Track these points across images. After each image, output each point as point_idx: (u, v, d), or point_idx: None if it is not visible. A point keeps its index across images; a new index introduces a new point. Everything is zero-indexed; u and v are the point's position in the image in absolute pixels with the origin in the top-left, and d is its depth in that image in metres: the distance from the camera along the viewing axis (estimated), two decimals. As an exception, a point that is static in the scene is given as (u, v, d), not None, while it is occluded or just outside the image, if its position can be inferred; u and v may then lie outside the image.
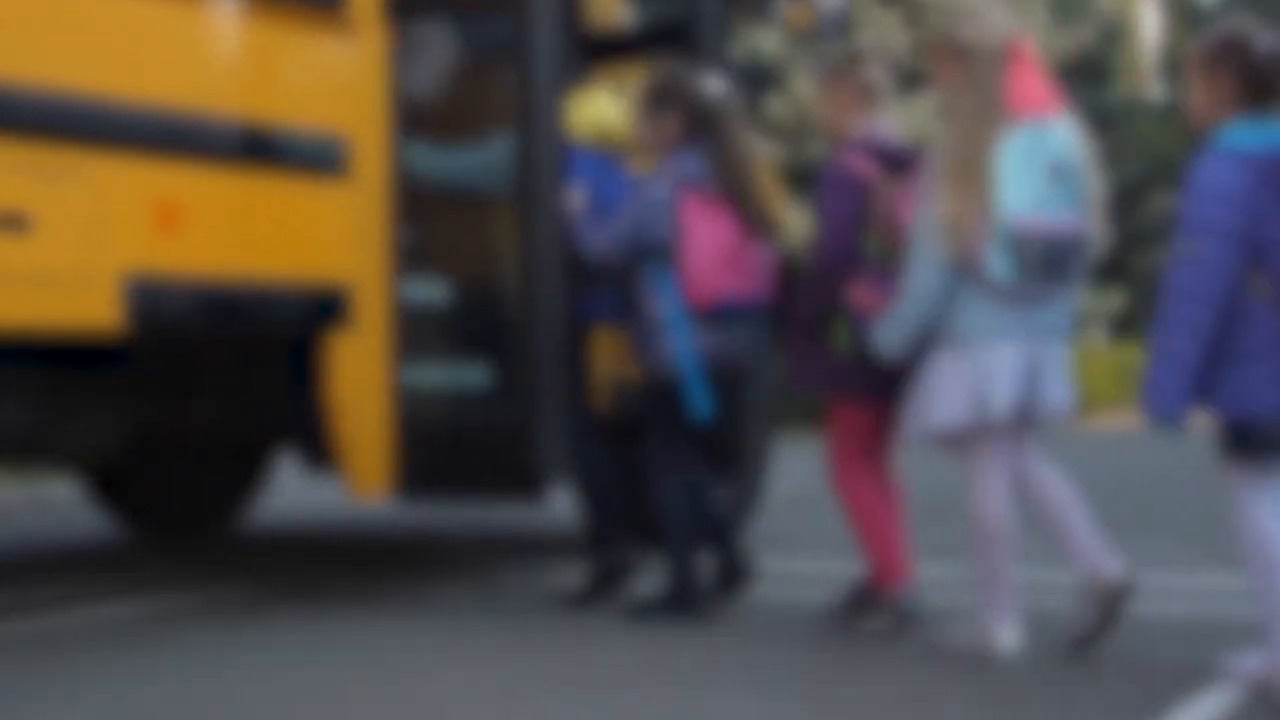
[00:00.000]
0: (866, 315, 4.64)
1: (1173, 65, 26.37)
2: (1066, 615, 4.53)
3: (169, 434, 6.63)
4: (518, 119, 5.39)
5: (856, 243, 4.70)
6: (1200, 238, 3.92)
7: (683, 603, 5.01)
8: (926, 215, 4.38)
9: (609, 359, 5.68)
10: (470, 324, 5.69)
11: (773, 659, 4.47)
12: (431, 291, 5.63)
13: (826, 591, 5.11)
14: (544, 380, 5.29)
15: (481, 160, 5.64)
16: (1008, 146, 4.30)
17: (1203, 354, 3.91)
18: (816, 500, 4.94)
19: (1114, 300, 22.57)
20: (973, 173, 4.29)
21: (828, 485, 4.87)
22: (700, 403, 4.96)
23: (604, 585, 5.38)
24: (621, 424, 5.48)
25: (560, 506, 6.39)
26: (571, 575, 5.88)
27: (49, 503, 9.68)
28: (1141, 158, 23.73)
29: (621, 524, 5.43)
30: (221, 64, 4.99)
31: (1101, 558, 4.41)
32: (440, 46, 5.81)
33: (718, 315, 4.96)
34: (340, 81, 5.35)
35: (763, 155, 6.83)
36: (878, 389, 4.75)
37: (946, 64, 4.49)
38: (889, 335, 4.51)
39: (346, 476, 5.48)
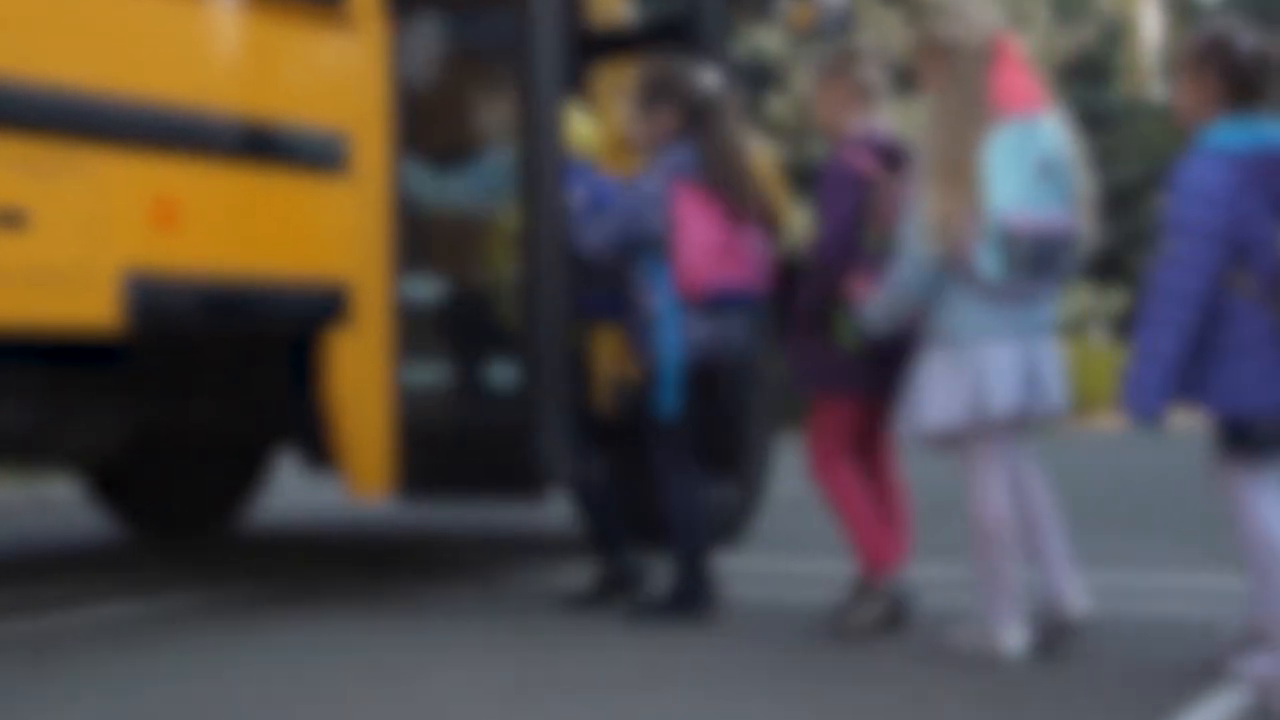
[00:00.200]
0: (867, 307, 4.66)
1: (1173, 65, 26.35)
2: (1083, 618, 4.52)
3: (169, 433, 6.62)
4: (519, 117, 5.38)
5: (857, 237, 4.71)
6: (1185, 238, 3.94)
7: (691, 603, 5.00)
8: (915, 214, 4.39)
9: (609, 359, 5.68)
10: (471, 322, 5.68)
11: (775, 660, 4.45)
12: (432, 290, 5.61)
13: (829, 592, 5.09)
14: (545, 380, 5.28)
15: (480, 182, 5.61)
16: (995, 144, 4.29)
17: (1185, 353, 3.93)
18: (819, 501, 4.93)
19: (1114, 300, 22.56)
20: (960, 171, 4.29)
21: (809, 478, 4.87)
22: (668, 401, 4.96)
23: (610, 589, 5.36)
24: (622, 424, 5.47)
25: (561, 506, 6.37)
26: (573, 575, 5.88)
27: (49, 503, 9.67)
28: (1142, 158, 23.70)
29: (623, 527, 5.41)
30: (221, 60, 4.97)
31: (1064, 587, 4.42)
32: (441, 43, 5.80)
33: (712, 305, 4.96)
34: (341, 78, 5.33)
35: (766, 154, 6.85)
36: (872, 386, 4.76)
37: (931, 63, 4.49)
38: (873, 317, 4.55)
39: (346, 476, 5.47)
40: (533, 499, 5.44)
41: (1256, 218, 3.95)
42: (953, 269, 4.35)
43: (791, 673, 4.26)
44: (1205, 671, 4.12)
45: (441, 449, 5.44)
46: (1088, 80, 24.64)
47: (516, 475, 5.33)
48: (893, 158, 4.76)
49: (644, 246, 5.00)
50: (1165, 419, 3.99)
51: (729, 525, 6.59)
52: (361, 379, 5.38)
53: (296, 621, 5.15)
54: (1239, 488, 4.02)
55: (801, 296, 4.85)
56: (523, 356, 5.35)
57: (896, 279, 4.46)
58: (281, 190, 5.12)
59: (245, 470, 7.65)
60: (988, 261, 4.27)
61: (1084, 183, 4.42)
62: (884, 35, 17.27)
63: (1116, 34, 25.86)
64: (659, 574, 5.27)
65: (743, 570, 5.85)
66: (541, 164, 5.28)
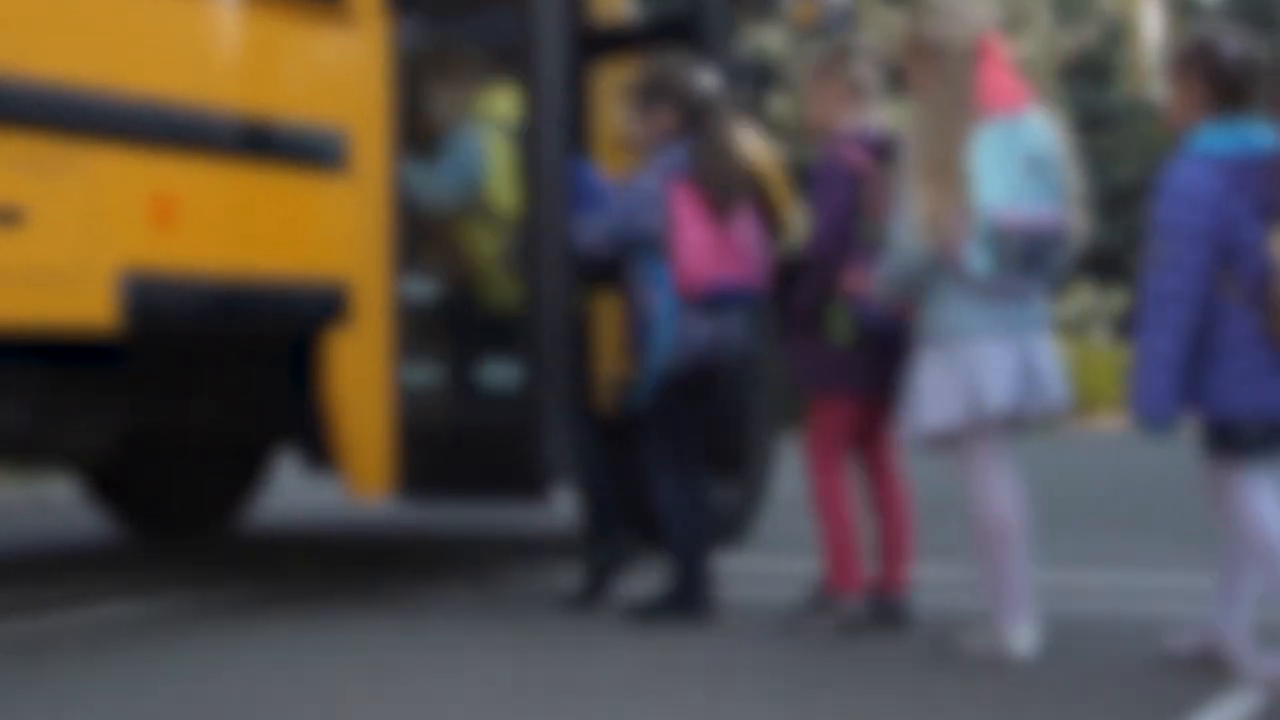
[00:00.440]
0: (863, 300, 4.69)
1: (1162, 69, 26.35)
2: (1082, 617, 4.52)
3: (168, 433, 6.60)
4: (522, 115, 5.36)
5: (851, 232, 4.72)
6: (1174, 240, 3.97)
7: (685, 604, 4.99)
8: (904, 214, 4.40)
9: (610, 358, 5.67)
10: (471, 322, 5.66)
11: (776, 661, 4.44)
12: (433, 289, 5.60)
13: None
14: (545, 380, 5.26)
15: (455, 170, 5.59)
16: (982, 142, 4.31)
17: (1187, 353, 3.96)
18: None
19: (1115, 300, 22.55)
20: (948, 170, 4.31)
21: (805, 479, 4.86)
22: (642, 396, 4.98)
23: (600, 581, 5.35)
24: (623, 423, 5.46)
25: (561, 507, 6.36)
26: (573, 576, 5.87)
27: (49, 503, 9.66)
28: (1142, 158, 23.68)
29: (620, 521, 5.40)
30: (220, 56, 4.95)
31: (1012, 610, 4.39)
32: (443, 40, 5.79)
33: (712, 303, 4.96)
34: (341, 74, 5.31)
35: (771, 154, 6.85)
36: (870, 384, 4.76)
37: (918, 63, 4.50)
38: (879, 292, 4.59)
39: (346, 477, 5.45)
40: (533, 499, 5.42)
41: (1242, 222, 3.99)
42: (943, 267, 4.35)
43: (793, 674, 4.25)
44: (1209, 667, 4.12)
45: (441, 449, 5.42)
46: (1088, 80, 24.63)
47: (516, 475, 5.31)
48: (886, 154, 4.77)
49: (642, 246, 5.00)
50: (1177, 422, 4.01)
51: (731, 526, 6.58)
52: (361, 379, 5.36)
53: (296, 622, 5.14)
54: (1231, 487, 4.05)
55: (798, 295, 4.86)
56: (523, 356, 5.34)
57: (884, 273, 4.49)
58: (281, 188, 5.10)
59: (245, 470, 7.64)
60: (978, 259, 4.28)
61: (1073, 179, 4.43)
62: (886, 35, 17.27)
63: (1117, 34, 25.85)
64: (653, 573, 5.26)
65: (743, 570, 5.84)
66: (543, 164, 5.26)
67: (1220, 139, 4.04)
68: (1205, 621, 4.27)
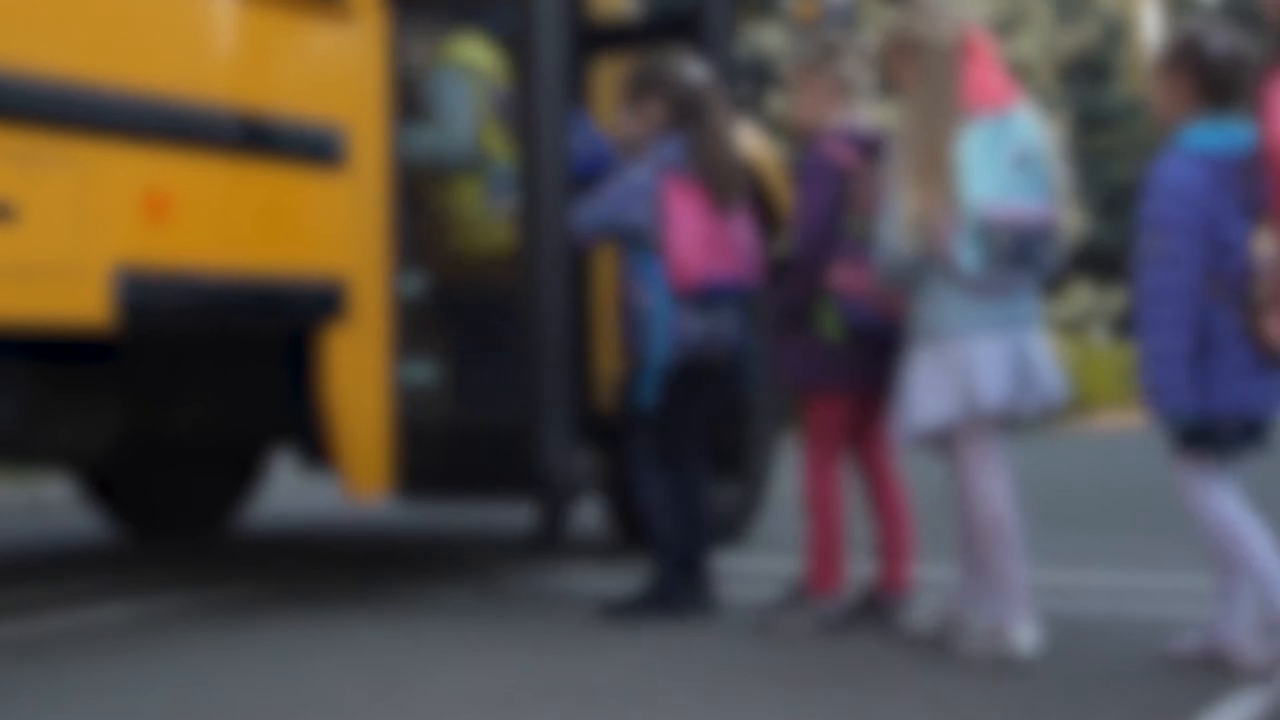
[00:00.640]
0: (851, 297, 4.67)
1: (1151, 66, 26.39)
2: (1085, 618, 4.50)
3: (162, 432, 6.56)
4: (521, 111, 5.33)
5: (837, 228, 4.71)
6: (1165, 236, 3.99)
7: (664, 603, 4.97)
8: (892, 212, 4.40)
9: (610, 358, 5.64)
10: (470, 319, 5.63)
11: (776, 662, 4.41)
12: (431, 286, 5.56)
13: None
14: (545, 379, 5.22)
15: (453, 124, 5.57)
16: (969, 139, 4.31)
17: (1192, 345, 3.98)
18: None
19: (1114, 300, 22.57)
20: (936, 168, 4.31)
21: (800, 479, 4.85)
22: (647, 392, 4.95)
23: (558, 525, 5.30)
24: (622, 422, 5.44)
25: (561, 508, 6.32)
26: (573, 576, 5.84)
27: (43, 504, 9.65)
28: (1142, 157, 23.70)
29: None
30: (215, 49, 4.91)
31: (976, 604, 4.41)
32: (442, 35, 5.76)
33: (706, 299, 4.95)
34: (338, 69, 5.27)
35: (769, 150, 6.83)
36: (861, 381, 4.75)
37: (903, 60, 4.51)
38: (880, 281, 4.58)
39: (343, 477, 5.41)
40: (533, 499, 5.38)
41: (1229, 219, 4.02)
42: (932, 265, 4.35)
43: (793, 675, 4.22)
44: (1211, 664, 4.11)
45: (440, 448, 5.39)
46: (1087, 80, 24.65)
47: (516, 475, 5.28)
48: (875, 151, 4.77)
49: (632, 240, 4.99)
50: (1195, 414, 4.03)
51: (731, 525, 6.56)
52: (359, 376, 5.33)
53: (293, 622, 5.11)
54: (1190, 484, 4.11)
55: (783, 292, 4.86)
56: (523, 355, 5.30)
57: (879, 267, 4.50)
58: (277, 184, 5.06)
59: (241, 470, 7.61)
60: (967, 255, 4.28)
61: (1061, 175, 4.44)
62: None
63: (1117, 34, 25.88)
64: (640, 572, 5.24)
65: (743, 570, 5.82)
66: (543, 163, 5.23)
67: (1208, 136, 4.07)
68: (1207, 623, 4.25)
